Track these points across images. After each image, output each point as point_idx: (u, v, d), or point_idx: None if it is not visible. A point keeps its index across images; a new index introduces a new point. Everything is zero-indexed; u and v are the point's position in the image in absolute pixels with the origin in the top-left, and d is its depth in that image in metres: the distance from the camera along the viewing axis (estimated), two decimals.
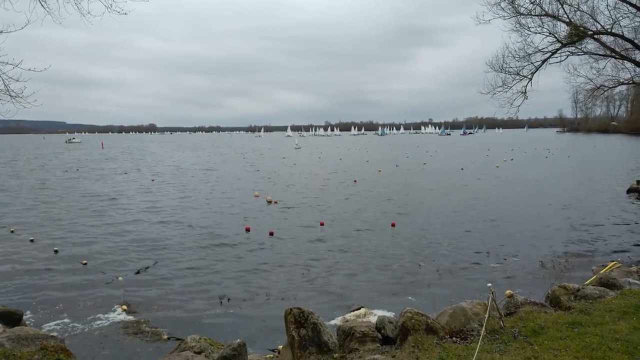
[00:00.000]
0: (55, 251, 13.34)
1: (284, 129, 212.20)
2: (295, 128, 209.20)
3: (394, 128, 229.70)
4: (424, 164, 44.63)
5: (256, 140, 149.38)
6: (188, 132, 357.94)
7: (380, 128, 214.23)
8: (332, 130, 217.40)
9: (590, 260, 12.01)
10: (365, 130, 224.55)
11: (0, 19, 6.73)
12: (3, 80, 6.90)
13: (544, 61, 15.50)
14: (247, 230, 15.93)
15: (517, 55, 15.72)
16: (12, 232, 15.87)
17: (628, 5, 14.32)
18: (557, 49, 15.24)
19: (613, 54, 15.28)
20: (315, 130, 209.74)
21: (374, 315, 8.04)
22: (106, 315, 8.83)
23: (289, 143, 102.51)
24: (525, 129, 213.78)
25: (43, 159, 56.55)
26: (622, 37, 14.74)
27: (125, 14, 7.16)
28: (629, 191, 23.34)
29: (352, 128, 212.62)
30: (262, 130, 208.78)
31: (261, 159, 55.64)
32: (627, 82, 16.86)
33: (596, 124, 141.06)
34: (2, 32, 6.53)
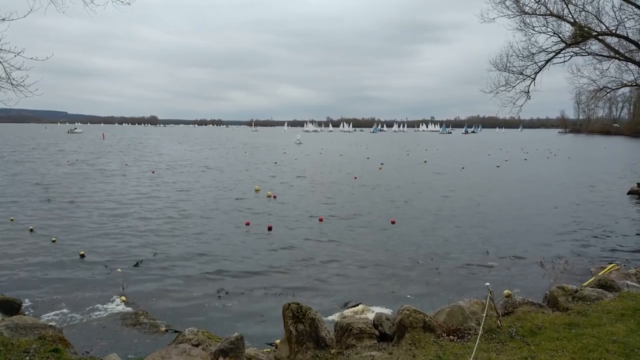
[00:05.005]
0: (53, 241, 13.34)
1: (282, 124, 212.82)
2: (294, 123, 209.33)
3: (386, 125, 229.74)
4: (425, 161, 44.62)
5: (253, 134, 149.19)
6: (191, 125, 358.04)
7: (375, 125, 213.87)
8: (327, 126, 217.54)
9: (589, 261, 12.02)
10: (362, 127, 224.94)
11: (2, 6, 6.70)
12: (5, 68, 6.88)
13: (547, 61, 15.45)
14: (247, 224, 15.94)
15: (520, 55, 15.68)
16: (11, 220, 15.89)
17: (633, 7, 14.26)
18: (561, 49, 15.18)
19: (617, 56, 15.23)
20: (305, 126, 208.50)
21: (372, 312, 8.04)
22: (104, 306, 8.84)
23: (290, 138, 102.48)
24: (519, 129, 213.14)
25: (46, 149, 56.51)
26: (627, 38, 14.68)
27: (129, 3, 7.12)
28: (630, 193, 23.34)
29: (344, 124, 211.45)
30: (286, 125, 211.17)
31: (262, 153, 55.59)
32: (630, 84, 16.81)
33: (598, 125, 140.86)
34: (4, 19, 6.51)
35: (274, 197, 21.77)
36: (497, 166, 39.61)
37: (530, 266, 11.62)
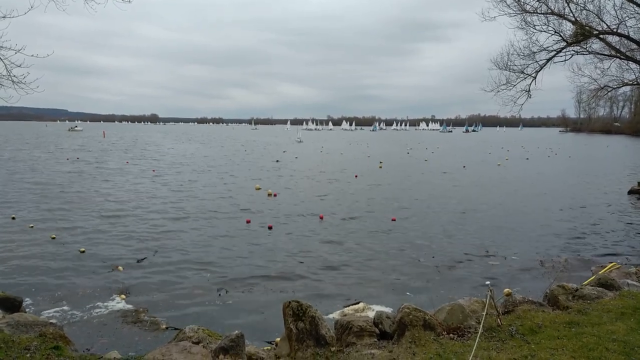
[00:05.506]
0: (53, 238, 13.34)
1: (286, 122, 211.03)
2: (295, 122, 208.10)
3: (385, 124, 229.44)
4: (426, 160, 44.60)
5: (254, 132, 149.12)
6: (192, 123, 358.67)
7: (375, 123, 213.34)
8: (327, 124, 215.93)
9: (590, 260, 12.02)
10: (363, 125, 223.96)
11: (2, 3, 6.69)
12: (5, 65, 6.87)
13: (548, 60, 15.42)
14: (248, 222, 15.94)
15: (521, 54, 15.66)
16: (13, 218, 15.90)
17: (634, 6, 14.22)
18: (562, 48, 15.15)
19: (618, 55, 15.20)
20: (305, 125, 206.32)
21: (372, 310, 8.05)
22: (105, 304, 8.86)
23: (291, 136, 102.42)
24: (519, 128, 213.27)
25: (47, 147, 56.52)
26: (628, 37, 14.64)
27: (129, 1, 7.11)
28: (630, 192, 23.32)
29: (346, 123, 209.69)
30: (288, 123, 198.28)
31: (262, 152, 55.57)
32: (631, 83, 16.78)
33: (599, 124, 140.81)
34: (4, 17, 6.50)
35: (275, 195, 21.77)
36: (498, 164, 39.59)
37: (531, 265, 11.63)
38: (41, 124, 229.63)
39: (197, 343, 5.71)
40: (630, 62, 15.45)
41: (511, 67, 15.89)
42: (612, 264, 10.76)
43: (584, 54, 15.63)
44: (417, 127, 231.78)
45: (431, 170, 35.34)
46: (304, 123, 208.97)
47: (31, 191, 21.77)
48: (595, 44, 15.52)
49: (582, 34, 14.37)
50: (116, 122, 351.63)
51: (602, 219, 17.15)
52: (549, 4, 14.65)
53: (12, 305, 7.46)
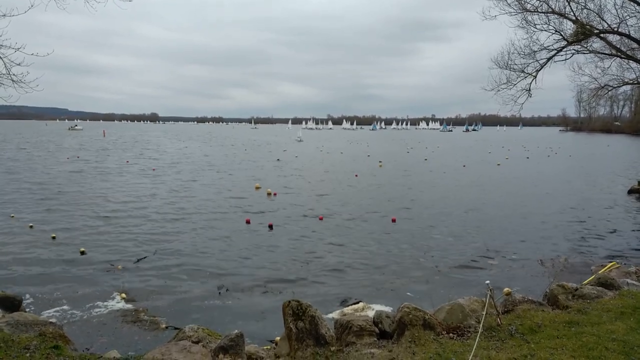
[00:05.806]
0: (53, 237, 13.35)
1: (286, 121, 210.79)
2: (295, 121, 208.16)
3: (384, 123, 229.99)
4: (425, 159, 44.58)
5: (254, 132, 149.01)
6: (192, 122, 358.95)
7: (375, 122, 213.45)
8: (327, 123, 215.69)
9: (589, 260, 12.02)
10: (363, 124, 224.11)
11: (2, 2, 6.68)
12: (5, 63, 6.87)
13: (549, 59, 15.38)
14: (247, 222, 15.94)
15: (522, 52, 15.61)
16: (12, 217, 15.91)
17: (635, 5, 14.20)
18: (563, 47, 15.11)
19: (619, 54, 15.16)
20: (304, 124, 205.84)
21: (372, 310, 8.05)
22: (105, 304, 8.86)
23: (292, 136, 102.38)
24: (519, 127, 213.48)
25: (47, 146, 56.50)
26: (629, 36, 14.61)
27: (130, 0, 7.10)
28: (630, 192, 23.32)
29: (346, 122, 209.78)
30: (290, 122, 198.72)
31: (262, 151, 55.55)
32: (632, 82, 16.74)
33: (599, 123, 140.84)
34: (5, 15, 6.49)
35: (274, 194, 21.76)
36: (498, 164, 39.57)
37: (531, 264, 11.63)
38: (41, 123, 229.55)
39: (197, 342, 5.71)
40: (631, 61, 15.41)
41: (512, 66, 15.85)
42: (611, 264, 10.76)
43: (584, 53, 15.60)
44: (417, 127, 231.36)
45: (431, 169, 35.33)
46: (304, 122, 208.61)
47: (31, 191, 21.77)
48: (596, 43, 15.49)
49: (583, 33, 14.34)
50: (116, 121, 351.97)
51: (602, 219, 17.15)
52: (550, 2, 14.61)
53: (12, 304, 7.47)
